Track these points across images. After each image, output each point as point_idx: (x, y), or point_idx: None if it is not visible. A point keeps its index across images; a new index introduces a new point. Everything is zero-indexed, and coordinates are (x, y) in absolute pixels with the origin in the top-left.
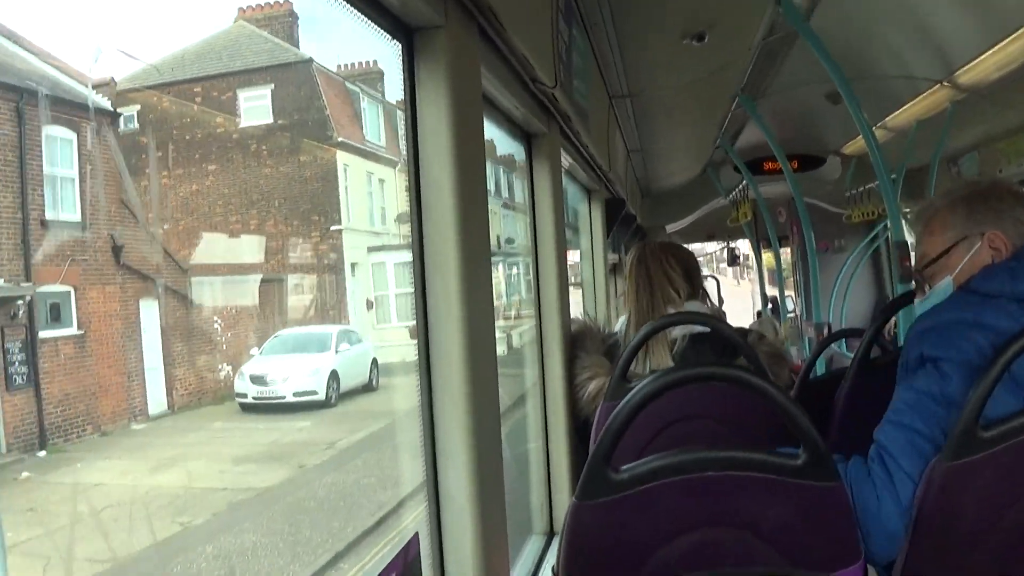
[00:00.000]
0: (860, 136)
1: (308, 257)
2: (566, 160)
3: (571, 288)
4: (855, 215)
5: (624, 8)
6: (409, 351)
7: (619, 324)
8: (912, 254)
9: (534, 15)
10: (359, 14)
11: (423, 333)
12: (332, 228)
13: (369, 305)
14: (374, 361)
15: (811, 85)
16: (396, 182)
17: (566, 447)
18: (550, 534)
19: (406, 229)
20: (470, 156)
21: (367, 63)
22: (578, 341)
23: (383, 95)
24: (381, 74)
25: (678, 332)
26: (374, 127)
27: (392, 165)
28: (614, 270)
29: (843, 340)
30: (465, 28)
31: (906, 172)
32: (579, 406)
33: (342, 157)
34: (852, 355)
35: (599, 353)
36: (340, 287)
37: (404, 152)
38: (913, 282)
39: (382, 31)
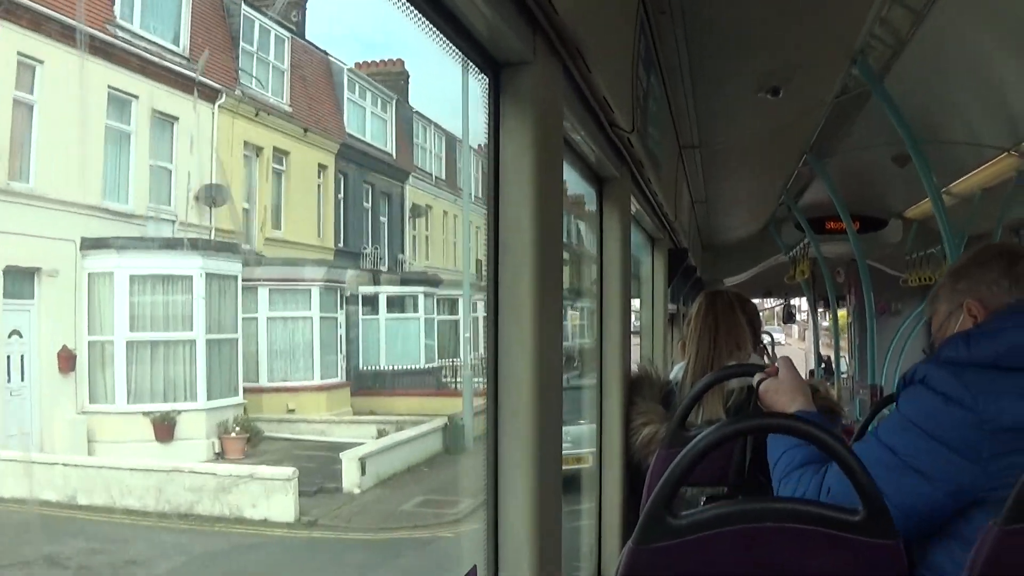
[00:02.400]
0: (924, 200)
1: None
2: (633, 206)
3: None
4: (912, 279)
5: (702, 58)
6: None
7: (674, 372)
8: None
9: (617, 59)
10: (450, 46)
11: (492, 369)
12: None
13: (67, 362)
14: None
15: (878, 147)
16: (219, 128)
17: (619, 492)
18: None
19: (216, 218)
20: (549, 194)
21: None
22: (635, 387)
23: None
24: None
25: (735, 383)
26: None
27: (209, 99)
28: (672, 320)
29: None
30: (552, 66)
31: (967, 240)
32: (631, 451)
33: None
34: None
35: (655, 400)
36: None
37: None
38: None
39: (471, 64)
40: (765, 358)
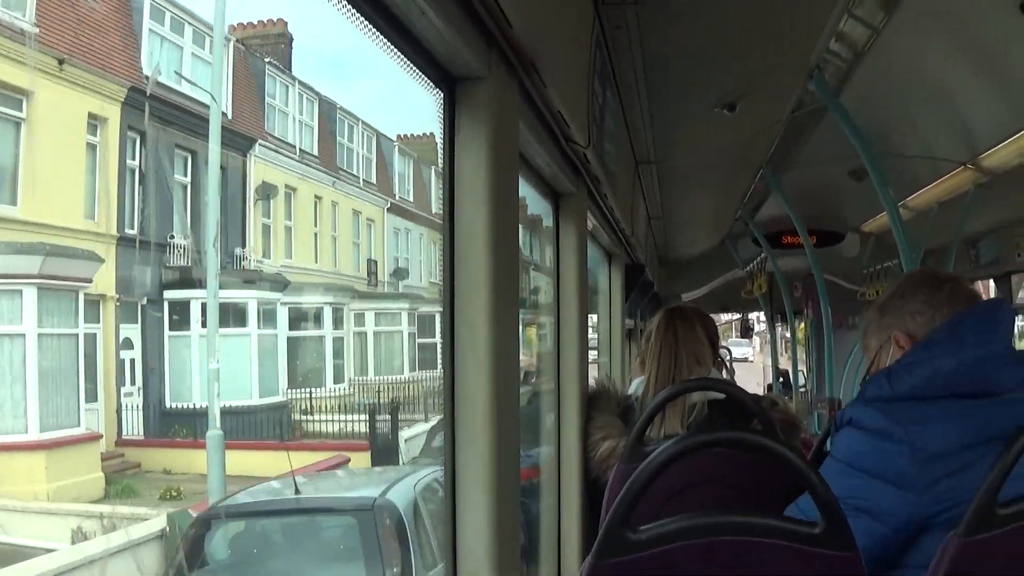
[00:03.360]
0: (880, 214)
1: None
2: (590, 222)
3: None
4: (869, 292)
5: (658, 73)
6: None
7: (633, 386)
8: None
9: (572, 74)
10: (405, 61)
11: (449, 385)
12: None
13: None
14: None
15: (834, 162)
16: None
17: (578, 507)
18: None
19: None
20: (505, 209)
21: None
22: (593, 401)
23: None
24: None
25: (697, 397)
26: None
27: None
28: (629, 335)
29: None
30: (507, 81)
31: (924, 253)
32: (590, 466)
33: None
34: None
35: (614, 414)
36: None
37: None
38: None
39: (426, 80)
40: (723, 372)
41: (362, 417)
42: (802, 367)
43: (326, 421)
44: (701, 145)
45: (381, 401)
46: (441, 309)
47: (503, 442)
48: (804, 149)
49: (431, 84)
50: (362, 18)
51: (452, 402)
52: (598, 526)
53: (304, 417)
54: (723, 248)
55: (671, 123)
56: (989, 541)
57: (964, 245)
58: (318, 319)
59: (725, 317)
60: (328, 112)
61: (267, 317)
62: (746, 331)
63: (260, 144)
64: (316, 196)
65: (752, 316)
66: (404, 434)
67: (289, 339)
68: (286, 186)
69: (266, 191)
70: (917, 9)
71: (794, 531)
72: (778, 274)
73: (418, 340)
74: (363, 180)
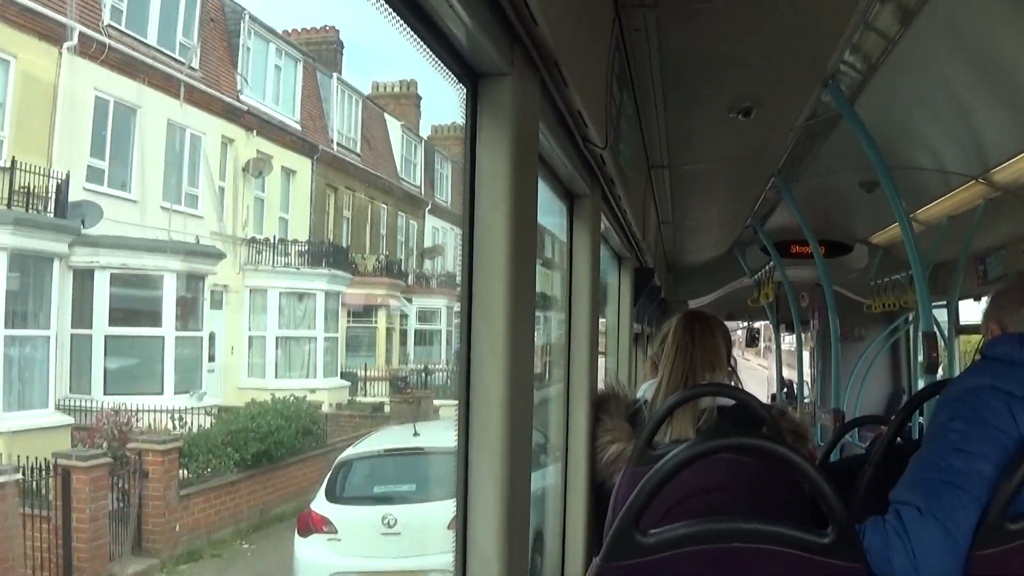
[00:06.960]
0: (890, 226)
1: None
2: (603, 224)
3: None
4: (876, 305)
5: (674, 77)
6: None
7: (642, 390)
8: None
9: (592, 74)
10: (430, 56)
11: (464, 378)
12: None
13: None
14: None
15: (846, 172)
16: None
17: (584, 509)
18: None
19: None
20: (523, 205)
21: None
22: (603, 404)
23: None
24: None
25: (707, 403)
26: None
27: None
28: (636, 340)
29: (855, 429)
30: (529, 78)
31: (932, 267)
32: (596, 469)
33: None
34: (863, 444)
35: (622, 418)
36: None
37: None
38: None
39: (450, 75)
40: (733, 381)
41: None
42: (806, 378)
43: None
44: (714, 150)
45: None
46: (460, 302)
47: (516, 437)
48: (816, 158)
49: (455, 79)
50: (390, 10)
51: (467, 395)
52: (602, 529)
53: None
54: (731, 255)
55: (685, 127)
56: (998, 556)
57: (972, 260)
58: None
59: (733, 326)
60: None
61: None
62: (752, 340)
63: None
64: None
65: (756, 325)
66: None
67: None
68: None
69: None
70: (933, 22)
71: (803, 540)
72: (786, 284)
73: None
74: None
